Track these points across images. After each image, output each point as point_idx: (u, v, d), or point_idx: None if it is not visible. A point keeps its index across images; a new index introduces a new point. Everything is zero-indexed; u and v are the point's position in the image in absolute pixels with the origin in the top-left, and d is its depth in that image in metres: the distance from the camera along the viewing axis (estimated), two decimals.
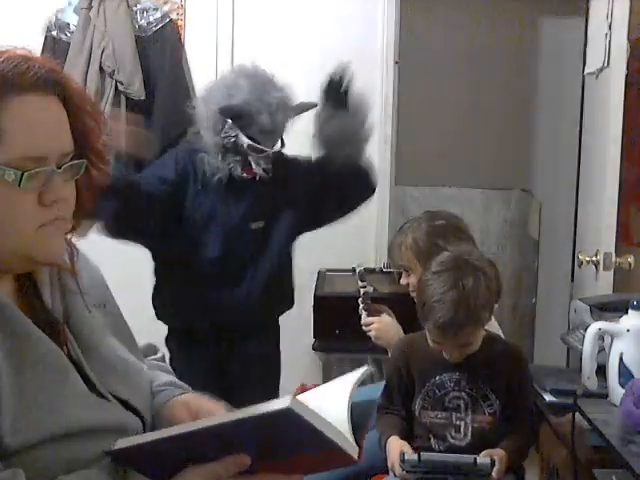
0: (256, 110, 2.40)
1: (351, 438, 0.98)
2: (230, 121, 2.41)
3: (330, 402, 1.03)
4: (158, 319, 2.63)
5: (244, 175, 2.46)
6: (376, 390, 2.01)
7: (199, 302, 2.52)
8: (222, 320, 2.53)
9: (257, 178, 2.47)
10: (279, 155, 2.53)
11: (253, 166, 2.44)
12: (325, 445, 0.95)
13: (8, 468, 0.93)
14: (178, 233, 2.50)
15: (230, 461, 0.97)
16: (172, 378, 1.29)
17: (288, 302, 2.70)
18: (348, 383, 1.06)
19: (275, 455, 0.98)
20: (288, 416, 0.90)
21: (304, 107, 2.52)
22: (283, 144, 2.51)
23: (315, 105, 2.53)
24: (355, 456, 0.97)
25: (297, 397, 0.93)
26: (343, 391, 1.04)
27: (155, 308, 2.64)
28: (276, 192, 2.53)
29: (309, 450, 0.98)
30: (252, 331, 2.60)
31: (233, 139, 2.42)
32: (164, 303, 2.62)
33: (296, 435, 0.94)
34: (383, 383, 2.13)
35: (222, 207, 2.50)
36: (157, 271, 2.63)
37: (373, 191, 2.67)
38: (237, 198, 2.50)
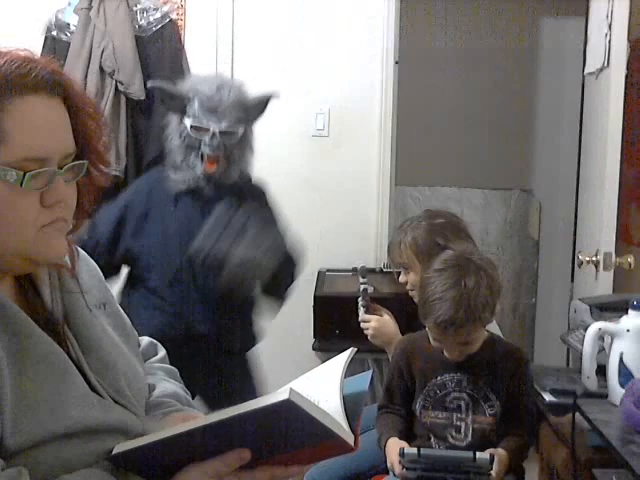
0: (191, 89, 2.41)
1: (345, 423, 0.98)
2: (179, 115, 2.42)
3: (322, 386, 1.04)
4: None
5: (207, 169, 2.40)
6: (365, 380, 2.01)
7: (159, 328, 2.38)
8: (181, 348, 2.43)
9: (215, 168, 2.40)
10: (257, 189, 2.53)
11: (202, 148, 2.39)
12: (324, 435, 0.95)
13: (10, 468, 0.94)
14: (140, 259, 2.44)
15: (231, 456, 0.98)
16: (174, 388, 1.29)
17: (251, 340, 2.61)
18: (338, 365, 1.07)
19: (275, 448, 0.99)
20: (287, 408, 0.90)
21: (265, 96, 2.47)
22: (234, 127, 2.42)
23: (275, 95, 2.48)
24: (352, 443, 0.98)
25: (291, 385, 0.93)
26: (334, 374, 1.05)
27: None
28: (242, 214, 2.41)
29: (309, 443, 0.98)
30: (217, 364, 2.53)
31: (185, 132, 2.41)
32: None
33: (295, 426, 0.94)
34: (368, 373, 2.12)
35: (188, 226, 2.41)
36: (124, 292, 2.55)
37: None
38: (205, 216, 2.42)
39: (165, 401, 1.22)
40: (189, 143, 2.42)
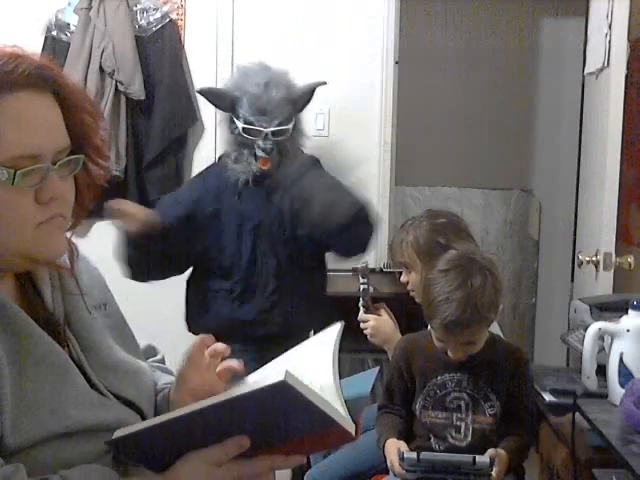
0: (238, 87, 2.43)
1: (343, 410, 0.97)
2: (228, 114, 2.45)
3: (314, 369, 1.03)
4: (190, 331, 2.61)
5: (262, 167, 2.44)
6: (371, 376, 2.00)
7: (232, 314, 2.52)
8: (253, 333, 2.52)
9: (269, 165, 2.44)
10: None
11: (255, 150, 2.43)
12: (322, 421, 0.95)
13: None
14: (215, 246, 2.50)
15: (230, 444, 0.97)
16: (173, 378, 1.29)
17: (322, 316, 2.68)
18: (328, 346, 1.05)
19: (275, 437, 0.98)
20: (284, 390, 0.90)
21: (312, 86, 2.52)
22: (285, 124, 2.46)
23: (323, 83, 2.53)
24: (352, 432, 0.97)
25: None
26: (325, 356, 1.04)
27: (187, 320, 2.62)
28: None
29: (308, 431, 0.98)
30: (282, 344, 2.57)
31: (237, 130, 2.44)
32: (198, 316, 2.60)
33: (293, 411, 0.94)
34: (374, 371, 2.12)
35: (260, 214, 2.50)
36: (191, 285, 2.63)
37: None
38: (272, 204, 2.49)
39: (166, 387, 1.22)
40: (242, 141, 2.44)
